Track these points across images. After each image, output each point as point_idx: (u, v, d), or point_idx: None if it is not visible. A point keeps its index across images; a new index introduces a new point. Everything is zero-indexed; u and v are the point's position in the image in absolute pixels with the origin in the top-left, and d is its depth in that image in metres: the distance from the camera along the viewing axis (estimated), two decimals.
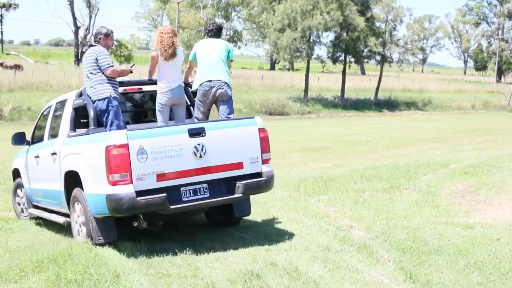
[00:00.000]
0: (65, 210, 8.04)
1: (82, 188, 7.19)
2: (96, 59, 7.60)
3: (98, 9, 76.73)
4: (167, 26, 8.22)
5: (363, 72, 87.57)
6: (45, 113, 9.23)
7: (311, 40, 44.44)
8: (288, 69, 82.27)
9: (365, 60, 50.68)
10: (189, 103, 8.50)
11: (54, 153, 8.07)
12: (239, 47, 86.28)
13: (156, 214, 7.04)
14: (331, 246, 7.12)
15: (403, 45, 49.79)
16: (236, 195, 7.21)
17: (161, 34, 7.85)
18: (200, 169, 6.97)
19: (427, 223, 8.22)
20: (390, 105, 49.64)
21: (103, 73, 7.62)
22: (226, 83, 7.91)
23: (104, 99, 7.51)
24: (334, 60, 46.53)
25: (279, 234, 7.73)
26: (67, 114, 7.97)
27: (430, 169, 12.85)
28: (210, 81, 7.86)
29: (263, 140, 7.43)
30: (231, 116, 7.99)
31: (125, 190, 6.55)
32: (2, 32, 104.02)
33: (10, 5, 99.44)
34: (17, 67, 48.75)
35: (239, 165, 7.25)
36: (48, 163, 8.30)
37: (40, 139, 9.01)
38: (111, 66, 7.62)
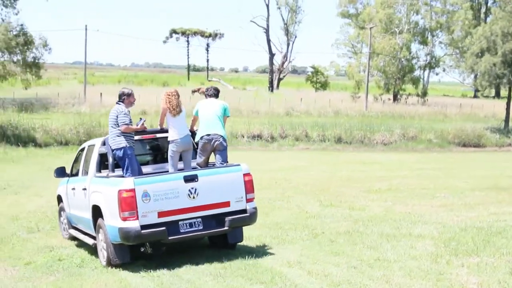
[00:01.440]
0: (94, 234, 9.60)
1: (103, 219, 8.89)
2: (117, 116, 9.37)
3: (295, 37, 78.01)
4: (172, 88, 10.15)
5: None
6: (80, 152, 11.10)
7: None
8: (493, 97, 76.12)
9: None
10: (196, 147, 10.12)
11: (84, 188, 9.83)
12: (437, 73, 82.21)
13: (159, 243, 8.94)
14: None
15: None
16: (224, 228, 8.94)
17: (169, 96, 9.71)
18: (194, 207, 8.70)
19: None
20: None
21: None
22: (222, 136, 9.90)
23: (121, 148, 9.33)
24: None
25: None
26: (94, 158, 9.83)
27: None
28: (209, 135, 9.84)
29: (247, 183, 9.14)
30: (225, 162, 9.86)
31: (133, 225, 8.34)
32: (208, 60, 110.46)
33: (216, 35, 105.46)
34: None
35: (226, 204, 8.96)
36: (81, 196, 10.05)
37: (76, 174, 10.87)
38: (126, 124, 9.36)
